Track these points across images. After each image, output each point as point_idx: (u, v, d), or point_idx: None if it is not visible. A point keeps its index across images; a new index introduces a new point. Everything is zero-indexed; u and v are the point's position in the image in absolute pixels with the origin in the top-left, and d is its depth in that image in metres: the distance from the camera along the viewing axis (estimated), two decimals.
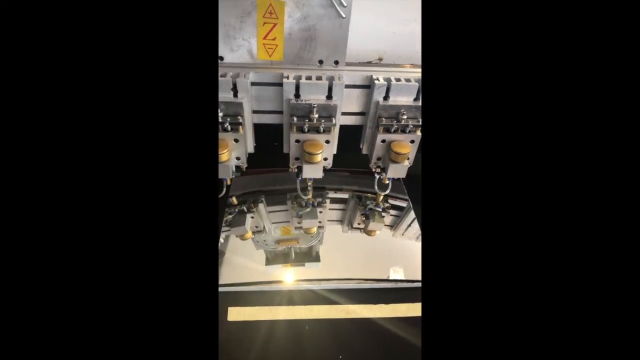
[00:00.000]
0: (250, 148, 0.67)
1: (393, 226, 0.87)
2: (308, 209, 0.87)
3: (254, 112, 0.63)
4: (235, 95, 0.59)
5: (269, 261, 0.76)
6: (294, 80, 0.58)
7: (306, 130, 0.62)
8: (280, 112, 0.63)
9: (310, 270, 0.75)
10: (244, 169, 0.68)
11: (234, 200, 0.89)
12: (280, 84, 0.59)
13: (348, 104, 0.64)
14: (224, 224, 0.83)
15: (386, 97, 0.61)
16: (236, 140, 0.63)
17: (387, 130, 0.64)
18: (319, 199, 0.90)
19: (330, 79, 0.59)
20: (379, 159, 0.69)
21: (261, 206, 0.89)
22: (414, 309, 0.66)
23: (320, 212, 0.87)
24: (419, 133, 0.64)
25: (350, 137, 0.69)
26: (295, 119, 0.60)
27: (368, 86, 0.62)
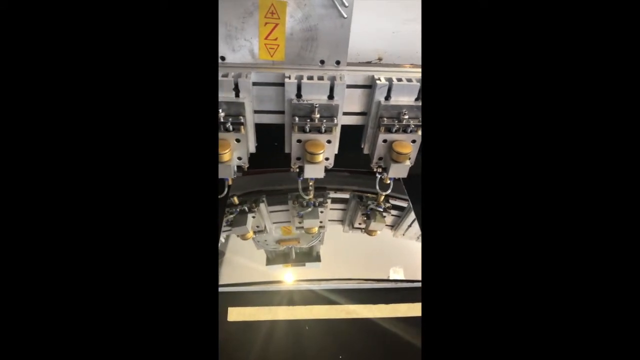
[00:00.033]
0: (252, 148, 0.67)
1: (394, 226, 0.87)
2: (309, 209, 0.87)
3: (256, 112, 0.63)
4: (237, 95, 0.59)
5: (270, 261, 0.76)
6: (296, 80, 0.58)
7: (308, 130, 0.62)
8: (282, 112, 0.63)
9: (310, 270, 0.75)
10: (246, 169, 0.68)
11: (235, 200, 0.89)
12: (282, 84, 0.59)
13: (349, 103, 0.64)
14: (225, 224, 0.83)
15: (387, 97, 0.61)
16: (238, 140, 0.63)
17: (389, 130, 0.64)
18: (320, 199, 0.90)
19: (332, 79, 0.59)
20: (380, 158, 0.69)
21: (262, 206, 0.89)
22: (414, 309, 0.66)
23: (322, 212, 0.87)
24: (420, 133, 0.64)
25: (351, 137, 0.69)
26: (296, 119, 0.61)
27: (369, 86, 0.62)
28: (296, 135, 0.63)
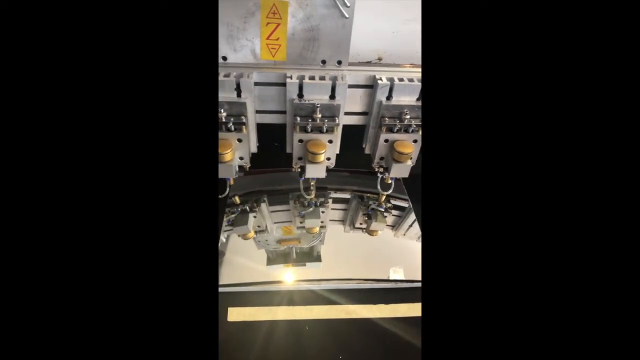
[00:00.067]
0: (253, 148, 0.67)
1: (394, 226, 0.87)
2: (311, 209, 0.87)
3: (257, 112, 0.63)
4: (239, 95, 0.59)
5: (270, 261, 0.76)
6: (297, 80, 0.58)
7: (309, 130, 0.62)
8: (284, 112, 0.63)
9: (311, 271, 0.75)
10: (247, 169, 0.68)
11: (237, 199, 0.89)
12: (284, 84, 0.59)
13: (351, 103, 0.64)
14: (226, 223, 0.83)
15: (389, 97, 0.61)
16: (239, 140, 0.63)
17: (390, 129, 0.64)
18: (322, 199, 0.90)
19: (334, 79, 0.59)
20: (381, 158, 0.69)
21: (263, 206, 0.89)
22: (414, 309, 0.65)
23: (323, 211, 0.87)
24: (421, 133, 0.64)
25: (352, 136, 0.69)
26: (298, 118, 0.61)
27: (371, 86, 0.62)
28: (298, 135, 0.63)
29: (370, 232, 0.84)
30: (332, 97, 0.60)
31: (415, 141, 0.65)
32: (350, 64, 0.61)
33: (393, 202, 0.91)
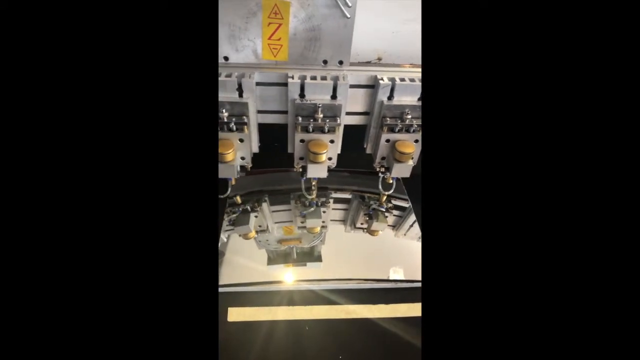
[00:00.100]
0: (255, 148, 0.68)
1: (395, 226, 0.87)
2: (312, 209, 0.87)
3: (259, 112, 0.64)
4: (241, 95, 0.59)
5: (271, 261, 0.76)
6: (299, 80, 0.59)
7: (311, 130, 0.62)
8: (285, 112, 0.63)
9: (311, 270, 0.75)
10: (249, 169, 0.68)
11: (238, 199, 0.90)
12: (285, 84, 0.59)
13: (352, 103, 0.64)
14: (228, 223, 0.83)
15: (390, 97, 0.61)
16: (241, 140, 0.63)
17: (392, 129, 0.64)
18: (323, 199, 0.90)
19: (335, 79, 0.59)
20: (383, 158, 0.69)
21: (265, 205, 0.89)
22: (414, 309, 0.65)
23: (324, 211, 0.87)
24: None
25: (353, 136, 0.69)
26: (300, 118, 0.61)
27: (372, 86, 0.62)
28: (299, 135, 0.63)
29: (371, 232, 0.84)
30: (334, 97, 0.60)
31: (416, 141, 0.65)
32: (352, 64, 0.61)
33: (394, 202, 0.91)
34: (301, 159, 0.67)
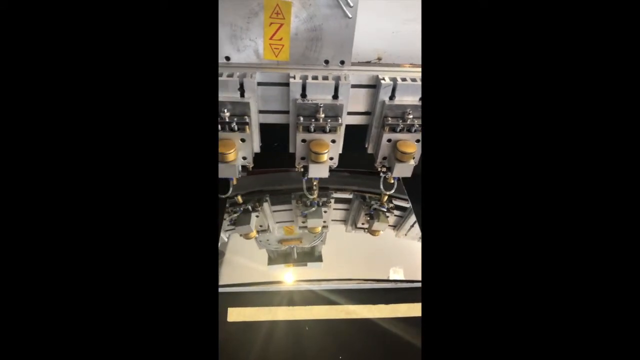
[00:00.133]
0: (256, 148, 0.68)
1: (396, 226, 0.87)
2: (313, 209, 0.87)
3: (260, 112, 0.64)
4: (242, 95, 0.59)
5: (272, 261, 0.76)
6: (301, 80, 0.59)
7: (312, 130, 0.62)
8: (287, 112, 0.63)
9: (312, 271, 0.75)
10: (250, 169, 0.69)
11: (239, 199, 0.90)
12: (287, 84, 0.59)
13: (354, 103, 0.64)
14: (229, 223, 0.83)
15: (392, 97, 0.61)
16: (243, 140, 0.63)
17: (393, 129, 0.63)
18: (324, 199, 0.90)
19: (337, 79, 0.59)
20: (384, 158, 0.69)
21: (266, 205, 0.89)
22: (414, 309, 0.65)
23: (325, 211, 0.87)
24: None
25: (354, 136, 0.69)
26: (301, 118, 0.61)
27: (374, 86, 0.62)
28: (301, 135, 0.63)
29: (373, 232, 0.84)
30: (335, 97, 0.60)
31: (418, 141, 0.65)
32: (352, 64, 0.61)
33: (395, 202, 0.91)
34: (303, 158, 0.67)
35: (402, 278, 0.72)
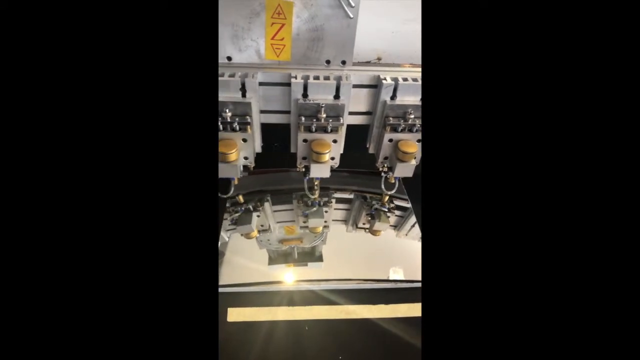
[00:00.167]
0: (258, 148, 0.68)
1: (397, 226, 0.87)
2: (314, 208, 0.87)
3: (262, 112, 0.64)
4: (244, 95, 0.60)
5: (272, 261, 0.77)
6: (302, 80, 0.59)
7: (314, 129, 0.62)
8: (288, 112, 0.63)
9: (312, 271, 0.75)
10: (252, 169, 0.69)
11: (241, 198, 0.90)
12: (288, 84, 0.60)
13: (355, 103, 0.64)
14: (230, 223, 0.83)
15: (393, 97, 0.61)
16: (244, 140, 0.63)
17: (394, 129, 0.63)
18: (325, 199, 0.90)
19: (338, 79, 0.59)
20: (385, 158, 0.69)
21: (267, 205, 0.89)
22: (414, 309, 0.65)
23: (326, 211, 0.87)
24: None
25: (356, 136, 0.69)
26: (303, 118, 0.61)
27: (375, 86, 0.62)
28: (302, 135, 0.63)
29: (374, 232, 0.84)
30: (337, 97, 0.61)
31: (419, 141, 0.65)
32: (354, 64, 0.62)
33: (396, 202, 0.91)
34: (304, 158, 0.67)
35: (402, 278, 0.72)
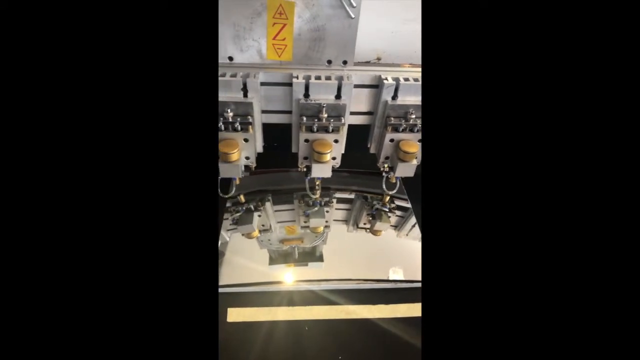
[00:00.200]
0: (259, 147, 0.68)
1: (397, 226, 0.86)
2: (316, 208, 0.87)
3: (263, 112, 0.64)
4: (245, 95, 0.60)
5: (273, 261, 0.77)
6: (304, 80, 0.59)
7: (315, 129, 0.62)
8: (289, 112, 0.64)
9: (313, 270, 0.75)
10: (253, 169, 0.69)
11: (242, 198, 0.90)
12: (290, 84, 0.60)
13: (356, 103, 0.64)
14: (231, 222, 0.84)
15: (394, 97, 0.61)
16: (246, 140, 0.63)
17: (396, 129, 0.64)
18: (326, 199, 0.90)
19: (339, 79, 0.59)
20: (387, 158, 0.69)
21: (268, 205, 0.90)
22: (413, 309, 0.65)
23: (327, 211, 0.87)
24: None
25: (357, 136, 0.69)
26: (304, 118, 0.61)
27: (376, 86, 0.62)
28: (304, 135, 0.63)
29: (374, 232, 0.84)
30: (338, 96, 0.61)
31: (420, 140, 0.65)
32: (356, 64, 0.62)
33: (397, 202, 0.91)
34: (305, 158, 0.67)
35: (402, 278, 0.72)
